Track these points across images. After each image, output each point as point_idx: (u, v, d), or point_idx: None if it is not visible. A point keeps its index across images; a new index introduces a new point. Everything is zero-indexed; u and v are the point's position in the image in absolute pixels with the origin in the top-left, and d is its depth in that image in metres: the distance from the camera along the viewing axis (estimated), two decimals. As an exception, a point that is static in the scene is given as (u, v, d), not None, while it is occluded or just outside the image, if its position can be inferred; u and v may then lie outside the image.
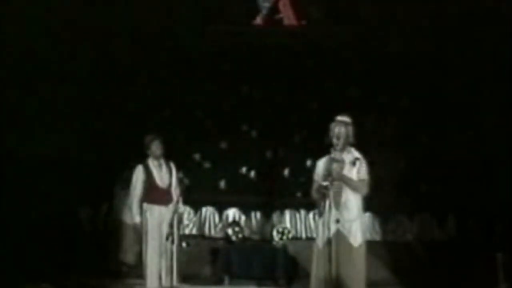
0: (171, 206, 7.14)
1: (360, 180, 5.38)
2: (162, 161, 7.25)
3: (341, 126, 5.45)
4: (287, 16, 12.64)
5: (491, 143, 9.59)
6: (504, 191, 8.98)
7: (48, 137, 9.41)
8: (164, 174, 7.20)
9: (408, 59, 11.26)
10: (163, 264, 6.88)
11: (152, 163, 7.19)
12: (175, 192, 7.26)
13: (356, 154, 5.44)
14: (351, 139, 5.49)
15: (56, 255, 8.95)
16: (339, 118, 5.52)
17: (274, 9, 12.63)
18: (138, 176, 7.13)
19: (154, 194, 7.10)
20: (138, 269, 9.54)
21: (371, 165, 5.49)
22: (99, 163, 10.08)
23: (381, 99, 11.40)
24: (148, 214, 7.05)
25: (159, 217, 7.03)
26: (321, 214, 5.38)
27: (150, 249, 7.01)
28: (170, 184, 7.22)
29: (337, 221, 5.27)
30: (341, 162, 5.39)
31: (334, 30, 11.91)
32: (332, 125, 5.49)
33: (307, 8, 12.46)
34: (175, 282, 6.89)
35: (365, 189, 5.42)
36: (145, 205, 7.09)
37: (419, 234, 10.05)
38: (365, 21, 11.70)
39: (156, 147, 7.19)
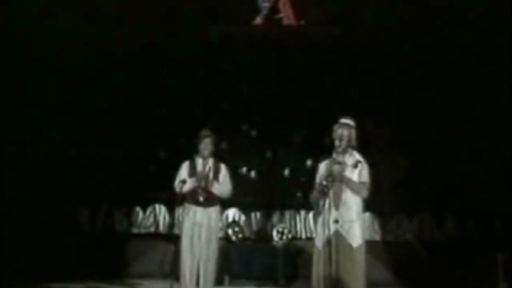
0: (208, 210, 6.60)
1: (361, 183, 5.36)
2: (210, 162, 6.66)
3: (343, 128, 5.42)
4: (287, 16, 12.62)
5: (491, 143, 9.59)
6: (504, 191, 8.98)
7: (48, 137, 9.42)
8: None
9: (408, 59, 11.24)
10: (195, 266, 6.58)
11: (197, 161, 6.68)
12: (219, 195, 6.67)
13: (358, 157, 5.41)
14: (353, 142, 5.45)
15: (55, 256, 8.96)
16: (343, 120, 5.49)
17: (274, 9, 12.61)
18: (182, 171, 6.62)
19: (191, 193, 6.59)
20: (138, 269, 9.64)
21: (371, 166, 5.47)
22: (99, 163, 10.08)
23: (381, 100, 11.39)
24: (185, 214, 6.59)
25: (193, 218, 6.53)
26: (320, 214, 5.38)
27: (183, 251, 6.59)
28: (211, 187, 6.60)
29: (336, 221, 5.27)
30: (343, 164, 5.38)
31: (334, 30, 11.89)
32: (335, 126, 5.46)
33: (307, 8, 12.43)
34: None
35: (365, 192, 5.39)
36: (185, 204, 6.62)
37: (418, 234, 10.05)
38: (364, 21, 11.68)
39: (204, 146, 6.66)
